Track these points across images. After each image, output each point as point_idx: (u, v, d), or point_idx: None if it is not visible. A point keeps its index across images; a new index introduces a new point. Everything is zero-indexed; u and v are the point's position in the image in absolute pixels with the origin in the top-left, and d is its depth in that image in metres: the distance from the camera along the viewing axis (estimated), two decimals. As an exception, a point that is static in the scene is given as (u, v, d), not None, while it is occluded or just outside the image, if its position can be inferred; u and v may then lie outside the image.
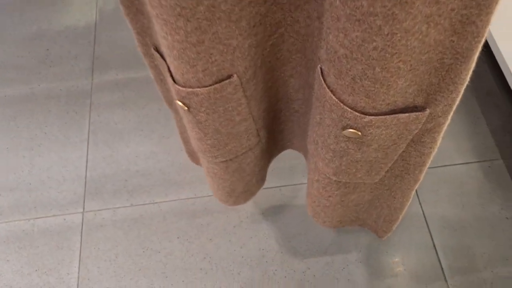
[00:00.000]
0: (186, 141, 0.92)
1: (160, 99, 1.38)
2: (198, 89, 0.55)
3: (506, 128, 1.28)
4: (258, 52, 0.56)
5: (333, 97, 0.52)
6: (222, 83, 0.56)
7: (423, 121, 0.55)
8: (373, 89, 0.47)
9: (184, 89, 0.56)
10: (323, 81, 0.53)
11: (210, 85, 0.55)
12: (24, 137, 1.31)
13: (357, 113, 0.52)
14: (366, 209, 0.89)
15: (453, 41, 0.43)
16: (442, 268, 1.08)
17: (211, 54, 0.50)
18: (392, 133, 0.56)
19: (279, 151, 0.91)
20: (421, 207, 1.16)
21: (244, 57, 0.54)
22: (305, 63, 0.60)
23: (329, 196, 0.77)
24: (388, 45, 0.41)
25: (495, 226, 1.13)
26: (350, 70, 0.46)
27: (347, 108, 0.52)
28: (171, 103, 0.78)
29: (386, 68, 0.44)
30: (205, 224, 1.16)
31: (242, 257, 1.11)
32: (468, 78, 0.49)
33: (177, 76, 0.55)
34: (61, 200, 1.20)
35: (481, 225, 1.13)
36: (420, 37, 0.41)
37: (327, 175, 0.70)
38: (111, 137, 1.30)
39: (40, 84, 1.41)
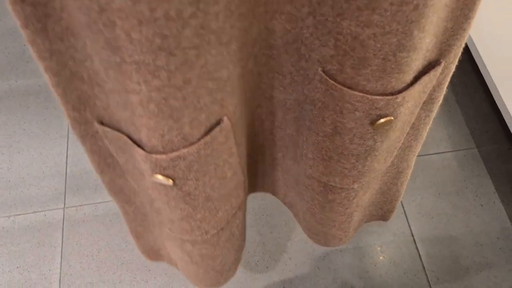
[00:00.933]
0: (140, 235, 0.72)
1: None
2: (185, 149, 0.43)
3: (481, 117, 1.31)
4: (241, 82, 0.46)
5: (356, 92, 0.44)
6: (212, 132, 0.44)
7: (438, 75, 0.49)
8: (406, 59, 0.41)
9: (165, 156, 0.43)
10: (333, 83, 0.45)
11: (199, 140, 0.43)
12: (2, 134, 1.30)
13: (388, 97, 0.44)
14: (373, 201, 0.78)
15: None
16: (420, 255, 1.11)
17: (199, 97, 0.39)
18: (413, 102, 0.49)
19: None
20: (399, 196, 1.19)
21: (233, 91, 0.44)
22: (279, 82, 0.50)
23: (346, 209, 0.67)
24: None
25: (470, 213, 1.16)
26: (380, 50, 0.39)
27: (377, 97, 0.44)
28: (119, 192, 0.60)
29: (422, 27, 0.38)
30: (187, 217, 1.16)
31: (225, 249, 1.12)
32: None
33: (153, 142, 0.42)
34: (42, 196, 1.20)
35: (457, 213, 1.17)
36: None
37: (346, 186, 0.61)
38: (91, 133, 1.29)
39: (17, 80, 1.40)
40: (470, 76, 1.39)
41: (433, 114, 0.58)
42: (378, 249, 1.12)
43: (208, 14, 0.33)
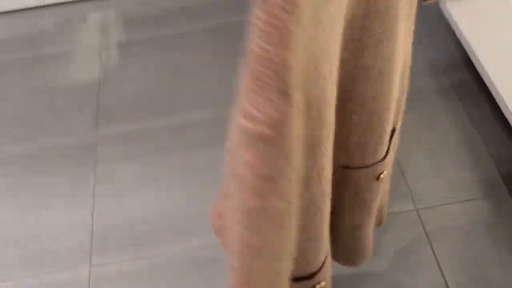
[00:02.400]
0: None
1: (164, 149, 1.39)
2: None
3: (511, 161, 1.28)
4: None
5: (365, 169, 0.66)
6: None
7: (397, 134, 0.74)
8: (388, 133, 0.63)
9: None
10: (350, 170, 0.65)
11: None
12: (30, 191, 1.33)
13: (383, 160, 0.66)
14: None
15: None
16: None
17: None
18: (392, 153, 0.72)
19: None
20: (431, 246, 1.16)
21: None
22: None
23: (369, 234, 0.85)
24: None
25: (503, 255, 1.12)
26: (373, 137, 0.61)
27: (376, 164, 0.65)
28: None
29: (393, 112, 0.64)
30: (213, 274, 1.15)
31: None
32: None
33: None
34: (68, 254, 1.20)
35: (490, 257, 1.12)
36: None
37: (366, 222, 0.79)
38: (117, 190, 1.31)
39: (44, 138, 1.44)
40: (496, 122, 1.37)
41: None
42: (412, 302, 1.08)
43: None
